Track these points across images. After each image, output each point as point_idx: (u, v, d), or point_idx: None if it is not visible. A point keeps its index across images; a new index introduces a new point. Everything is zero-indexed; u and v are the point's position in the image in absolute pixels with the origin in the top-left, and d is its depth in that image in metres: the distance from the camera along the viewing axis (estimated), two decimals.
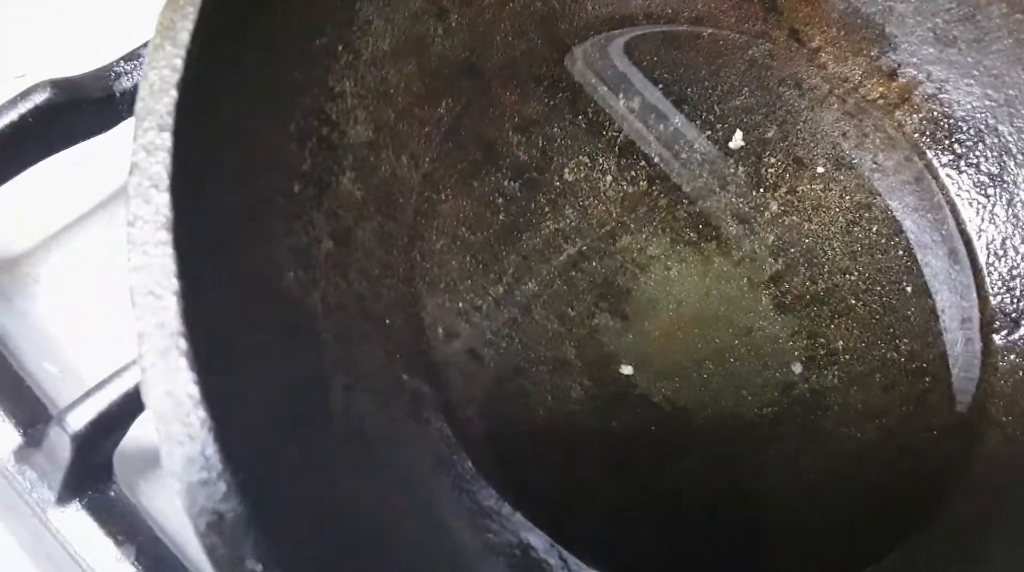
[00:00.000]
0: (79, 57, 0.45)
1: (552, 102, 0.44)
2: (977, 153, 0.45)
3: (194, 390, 0.23)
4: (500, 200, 0.43)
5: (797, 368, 0.42)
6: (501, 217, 0.43)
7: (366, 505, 0.30)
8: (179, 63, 0.26)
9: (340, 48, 0.35)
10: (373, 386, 0.34)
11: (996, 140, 0.45)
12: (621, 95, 0.46)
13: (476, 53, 0.42)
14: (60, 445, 0.35)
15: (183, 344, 0.23)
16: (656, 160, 0.45)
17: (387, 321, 0.37)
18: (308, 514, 0.26)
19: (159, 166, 0.24)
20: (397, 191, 0.39)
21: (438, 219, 0.41)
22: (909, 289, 0.43)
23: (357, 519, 0.29)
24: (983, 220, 0.45)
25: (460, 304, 0.41)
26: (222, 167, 0.28)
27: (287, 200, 0.32)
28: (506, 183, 0.43)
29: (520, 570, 0.35)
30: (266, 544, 0.22)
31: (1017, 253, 0.44)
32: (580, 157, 0.44)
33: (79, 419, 0.34)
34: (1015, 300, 0.43)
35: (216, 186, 0.28)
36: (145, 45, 0.41)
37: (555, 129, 0.44)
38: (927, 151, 0.46)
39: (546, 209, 0.43)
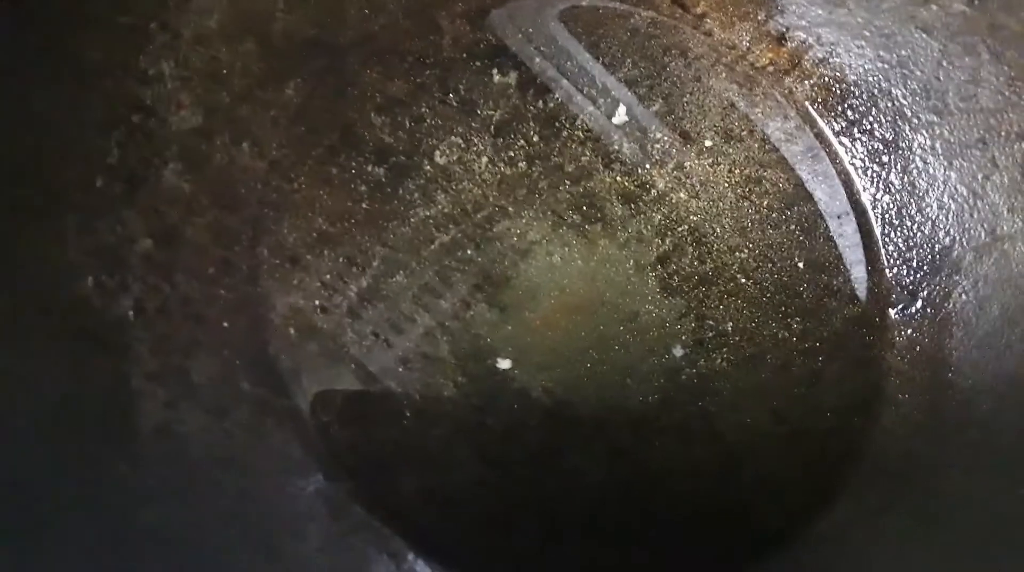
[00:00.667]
0: None
1: (419, 80, 0.41)
2: (871, 118, 0.43)
3: None
4: (363, 187, 0.40)
5: (678, 350, 0.39)
6: (364, 205, 0.40)
7: (181, 538, 0.27)
8: None
9: (152, 26, 0.31)
10: (204, 399, 0.31)
11: (890, 104, 0.43)
12: (496, 70, 0.43)
13: (327, 28, 0.38)
14: None
15: None
16: (535, 139, 0.42)
17: (225, 325, 0.33)
18: (83, 553, 0.23)
19: None
20: (238, 182, 0.36)
21: (289, 210, 0.38)
22: (801, 265, 0.41)
23: (165, 555, 0.26)
24: (878, 189, 0.43)
25: (316, 302, 0.38)
26: None
27: (86, 196, 0.29)
28: (369, 168, 0.40)
29: None
30: None
31: (913, 222, 0.42)
32: (452, 138, 0.41)
33: None
34: (911, 272, 0.42)
35: None
36: None
37: (423, 109, 0.41)
38: (819, 119, 0.44)
39: (415, 195, 0.40)
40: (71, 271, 0.27)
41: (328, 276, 0.38)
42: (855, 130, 0.43)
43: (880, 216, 0.43)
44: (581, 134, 0.43)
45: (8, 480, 0.22)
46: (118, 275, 0.29)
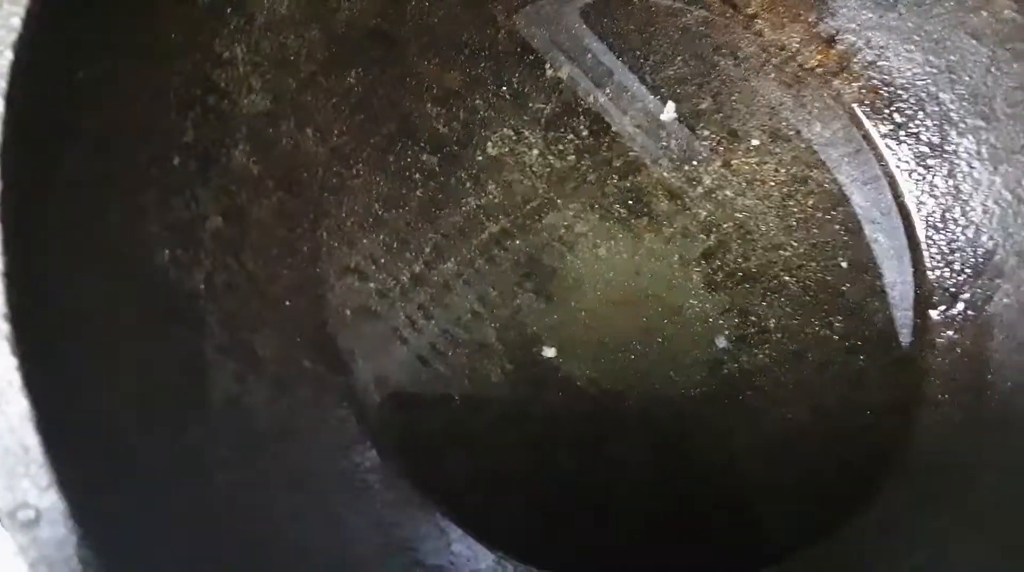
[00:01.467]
0: None
1: (474, 72, 0.42)
2: (917, 122, 0.44)
3: (15, 377, 0.21)
4: (417, 175, 0.41)
5: (721, 342, 0.40)
6: (418, 193, 0.40)
7: (249, 504, 0.28)
8: (17, 22, 0.24)
9: (228, 11, 0.32)
10: (268, 374, 0.32)
11: (937, 109, 0.43)
12: (548, 65, 0.44)
13: (388, 19, 0.39)
14: None
15: (5, 327, 0.21)
16: (585, 133, 0.43)
17: (287, 303, 0.34)
18: (166, 515, 0.24)
19: None
20: (301, 166, 0.37)
21: (348, 196, 0.39)
22: (845, 265, 0.42)
23: (237, 519, 0.27)
24: (922, 192, 0.43)
25: (372, 285, 0.39)
26: (78, 134, 0.26)
27: (163, 173, 0.30)
28: (424, 158, 0.41)
29: (425, 569, 0.33)
30: (92, 545, 0.20)
31: (956, 225, 0.43)
32: (504, 130, 0.42)
33: None
34: (954, 274, 0.42)
35: (70, 154, 0.26)
36: None
37: (477, 101, 0.42)
38: (866, 121, 0.44)
39: (467, 185, 0.41)
40: (151, 245, 0.28)
41: (383, 260, 0.39)
42: (901, 133, 0.44)
43: (924, 218, 0.43)
44: (630, 129, 0.44)
45: (98, 441, 0.23)
46: (191, 250, 0.30)
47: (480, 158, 0.42)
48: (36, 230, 0.23)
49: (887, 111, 0.44)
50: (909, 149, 0.44)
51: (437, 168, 0.41)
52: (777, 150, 0.44)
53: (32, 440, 0.20)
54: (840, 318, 0.41)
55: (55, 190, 0.24)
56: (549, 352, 0.39)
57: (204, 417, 0.28)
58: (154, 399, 0.26)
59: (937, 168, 0.43)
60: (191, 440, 0.27)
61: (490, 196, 0.41)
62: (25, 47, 0.23)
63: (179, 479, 0.26)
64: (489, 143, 0.42)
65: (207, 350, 0.29)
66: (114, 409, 0.24)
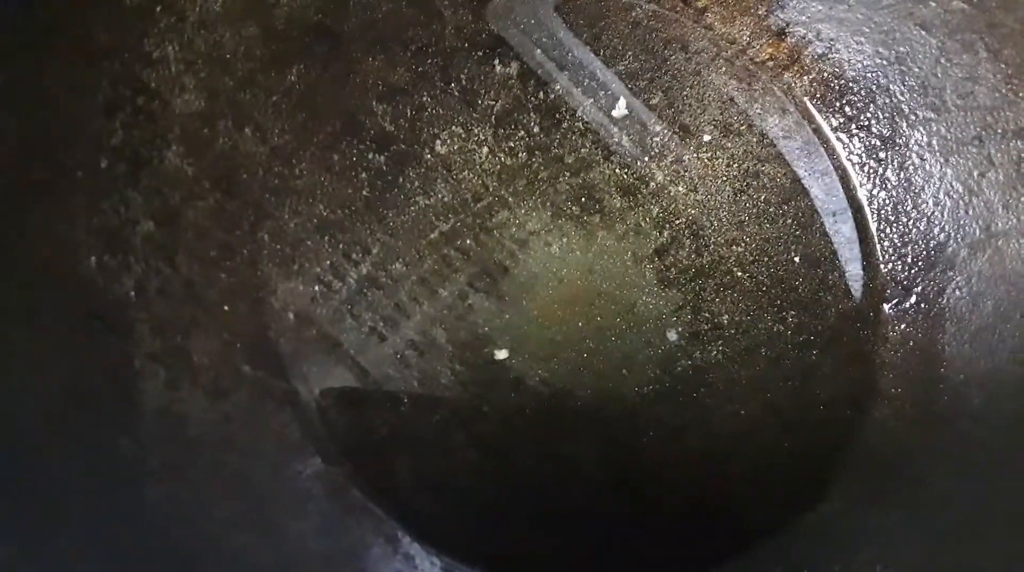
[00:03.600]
0: None
1: (421, 69, 0.41)
2: (868, 115, 0.44)
3: None
4: (364, 175, 0.40)
5: (674, 338, 0.40)
6: (365, 193, 0.40)
7: (183, 515, 0.27)
8: None
9: (158, 9, 0.32)
10: (203, 381, 0.31)
11: (888, 100, 0.43)
12: (498, 61, 0.43)
13: (330, 14, 0.39)
14: None
15: None
16: (536, 130, 0.43)
17: (226, 308, 0.34)
18: (99, 533, 0.23)
19: None
20: (240, 166, 0.36)
21: (291, 197, 0.38)
22: (797, 259, 0.42)
23: (170, 531, 0.26)
24: (874, 185, 0.43)
25: (317, 287, 0.38)
26: (1, 136, 0.25)
27: (91, 176, 0.29)
28: (370, 156, 0.40)
29: None
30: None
31: (909, 218, 0.42)
32: (453, 128, 0.42)
33: None
34: (907, 267, 0.42)
35: None
36: None
37: (425, 98, 0.41)
38: (817, 115, 0.44)
39: (416, 183, 0.41)
40: (76, 250, 0.27)
41: (328, 262, 0.38)
42: (853, 126, 0.44)
43: (876, 212, 0.43)
44: (581, 126, 0.43)
45: (20, 453, 0.22)
46: (121, 255, 0.29)
47: (429, 156, 0.41)
48: None
49: (838, 104, 0.44)
50: (860, 142, 0.44)
51: (384, 167, 0.40)
52: (729, 145, 0.43)
53: None
54: (793, 313, 0.41)
55: None
56: (501, 353, 0.39)
57: (133, 428, 0.27)
58: (80, 410, 0.25)
59: (888, 161, 0.43)
60: (121, 452, 0.26)
61: (439, 195, 0.41)
62: None
63: (111, 493, 0.25)
64: (438, 141, 0.41)
65: (136, 358, 0.28)
66: (36, 424, 0.24)
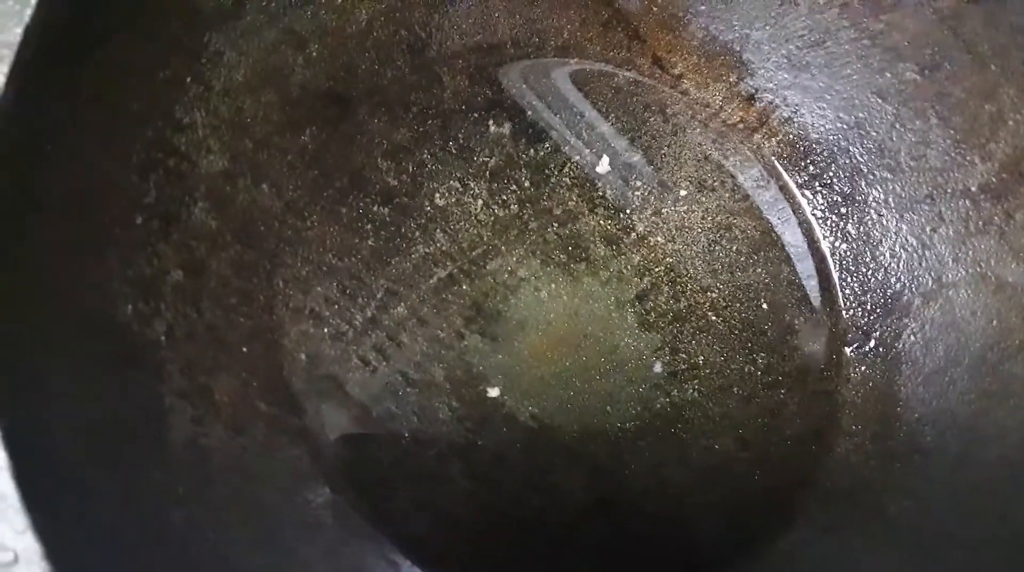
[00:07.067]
0: None
1: (422, 128, 0.45)
2: (830, 174, 0.48)
3: None
4: (368, 226, 0.44)
5: (658, 368, 0.43)
6: (370, 242, 0.43)
7: (203, 538, 0.30)
8: None
9: (188, 80, 0.35)
10: (224, 416, 0.34)
11: (848, 161, 0.47)
12: (491, 121, 0.47)
13: (340, 82, 0.42)
14: None
15: None
16: (526, 184, 0.47)
17: (244, 350, 0.37)
18: (126, 549, 0.26)
19: None
20: (258, 220, 0.39)
21: (303, 246, 0.42)
22: (766, 306, 0.45)
23: (190, 551, 0.29)
24: (836, 238, 0.47)
25: (326, 330, 0.41)
26: (47, 202, 0.28)
27: (127, 232, 0.32)
28: (375, 209, 0.44)
29: None
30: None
31: (868, 269, 0.46)
32: (451, 182, 0.45)
33: None
34: (866, 314, 0.46)
35: (40, 217, 0.28)
36: None
37: (425, 155, 0.45)
38: (784, 173, 0.48)
39: (416, 233, 0.44)
40: (114, 299, 0.30)
41: (336, 306, 0.41)
42: (816, 183, 0.48)
43: (838, 262, 0.47)
44: (568, 181, 0.47)
45: (62, 481, 0.25)
46: (153, 302, 0.32)
47: (428, 208, 0.45)
48: (2, 294, 0.25)
49: (803, 163, 0.48)
50: (823, 198, 0.48)
51: (387, 218, 0.43)
52: (703, 199, 0.47)
53: (9, 488, 0.22)
54: (763, 355, 0.45)
55: (21, 257, 0.27)
56: (493, 391, 0.42)
57: (164, 458, 0.30)
58: (117, 444, 0.28)
59: (849, 216, 0.47)
60: (151, 480, 0.29)
61: (438, 244, 0.44)
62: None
63: (139, 516, 0.28)
64: (437, 194, 0.45)
65: (167, 396, 0.31)
66: (80, 457, 0.26)
